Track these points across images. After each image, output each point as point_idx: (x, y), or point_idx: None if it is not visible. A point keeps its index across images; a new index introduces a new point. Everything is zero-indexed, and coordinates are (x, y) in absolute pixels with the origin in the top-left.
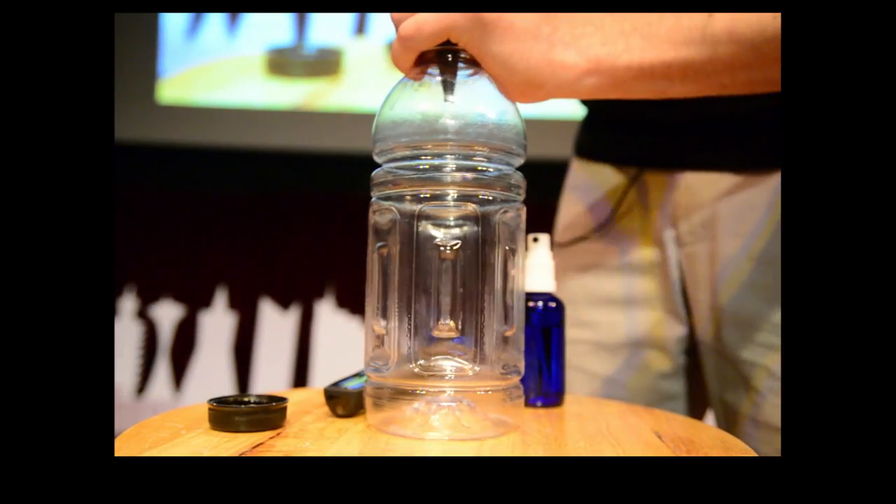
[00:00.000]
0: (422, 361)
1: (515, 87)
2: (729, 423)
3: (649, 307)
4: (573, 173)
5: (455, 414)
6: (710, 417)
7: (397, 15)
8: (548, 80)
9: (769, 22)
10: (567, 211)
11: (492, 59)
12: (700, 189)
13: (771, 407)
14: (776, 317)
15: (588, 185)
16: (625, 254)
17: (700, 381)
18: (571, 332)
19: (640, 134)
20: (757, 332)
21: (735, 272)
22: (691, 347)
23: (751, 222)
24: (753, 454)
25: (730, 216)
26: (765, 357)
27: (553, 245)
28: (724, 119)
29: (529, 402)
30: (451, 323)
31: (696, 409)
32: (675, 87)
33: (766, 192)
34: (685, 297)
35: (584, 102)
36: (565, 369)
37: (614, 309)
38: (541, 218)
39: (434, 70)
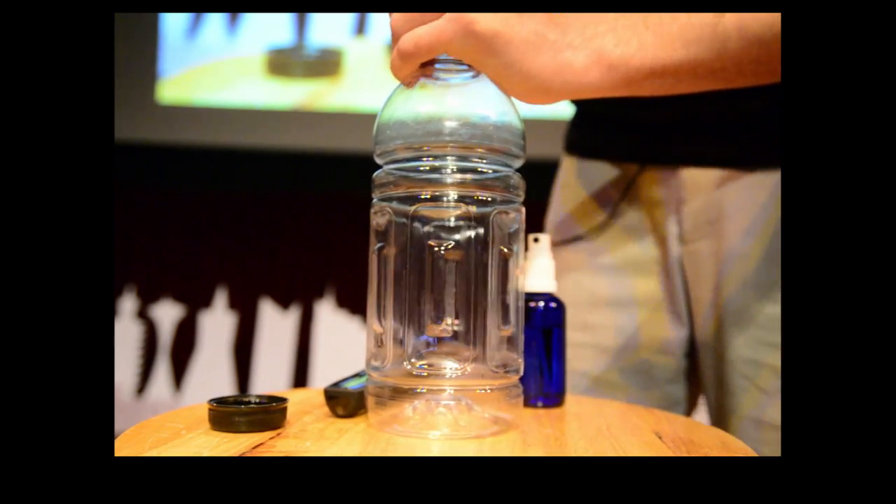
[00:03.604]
0: (422, 361)
1: (519, 94)
2: (722, 423)
3: (651, 308)
4: (566, 171)
5: (454, 413)
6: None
7: (396, 25)
8: (555, 85)
9: (777, 18)
10: (561, 209)
11: (492, 71)
12: (703, 185)
13: (775, 408)
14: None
15: (584, 183)
16: (625, 253)
17: (696, 383)
18: (571, 335)
19: (639, 132)
20: (762, 330)
21: (740, 269)
22: (691, 349)
23: (756, 219)
24: (753, 454)
25: (736, 213)
26: (770, 356)
27: None
28: (723, 117)
29: (530, 403)
30: (452, 323)
31: (689, 412)
32: (684, 84)
33: (770, 188)
34: (687, 297)
35: (575, 101)
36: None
37: (615, 311)
38: (541, 218)
39: (435, 73)
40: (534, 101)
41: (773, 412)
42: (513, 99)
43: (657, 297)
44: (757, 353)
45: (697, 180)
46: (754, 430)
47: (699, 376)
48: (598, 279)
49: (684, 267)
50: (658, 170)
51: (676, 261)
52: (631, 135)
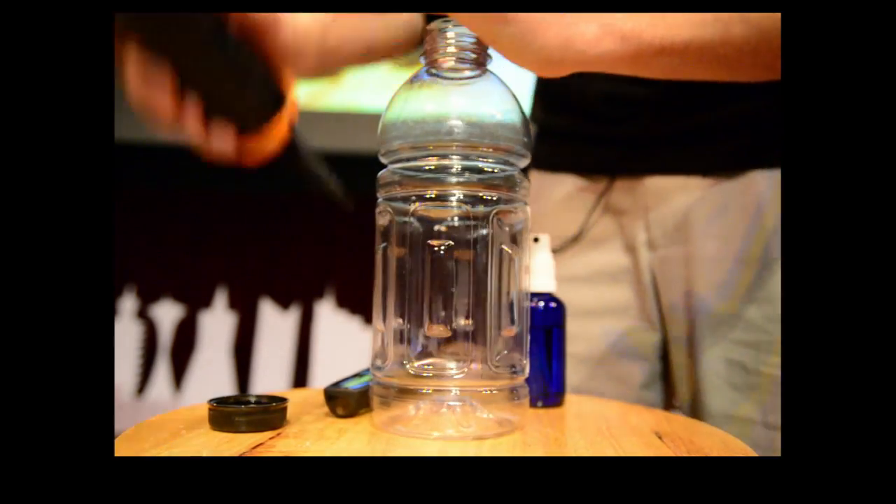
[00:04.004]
0: (427, 361)
1: (531, 65)
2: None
3: (625, 316)
4: (535, 185)
5: (459, 413)
6: None
7: None
8: (568, 55)
9: (777, 15)
10: (532, 223)
11: (503, 42)
12: (670, 192)
13: (751, 403)
14: (752, 314)
15: (555, 197)
16: (595, 263)
17: (671, 385)
18: None
19: (607, 146)
20: (733, 329)
21: (709, 273)
22: (664, 353)
23: (724, 224)
24: (753, 454)
25: (702, 218)
26: (741, 354)
27: None
28: (686, 129)
29: (530, 403)
30: (454, 323)
31: None
32: (688, 67)
33: (737, 193)
34: (658, 302)
35: (538, 119)
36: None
37: (591, 320)
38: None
39: (437, 70)
40: (546, 72)
41: (745, 408)
42: (518, 97)
43: (629, 305)
44: (728, 352)
45: (661, 188)
46: (728, 425)
47: (673, 378)
48: (570, 289)
49: (655, 273)
50: (626, 180)
51: (647, 267)
52: (599, 149)
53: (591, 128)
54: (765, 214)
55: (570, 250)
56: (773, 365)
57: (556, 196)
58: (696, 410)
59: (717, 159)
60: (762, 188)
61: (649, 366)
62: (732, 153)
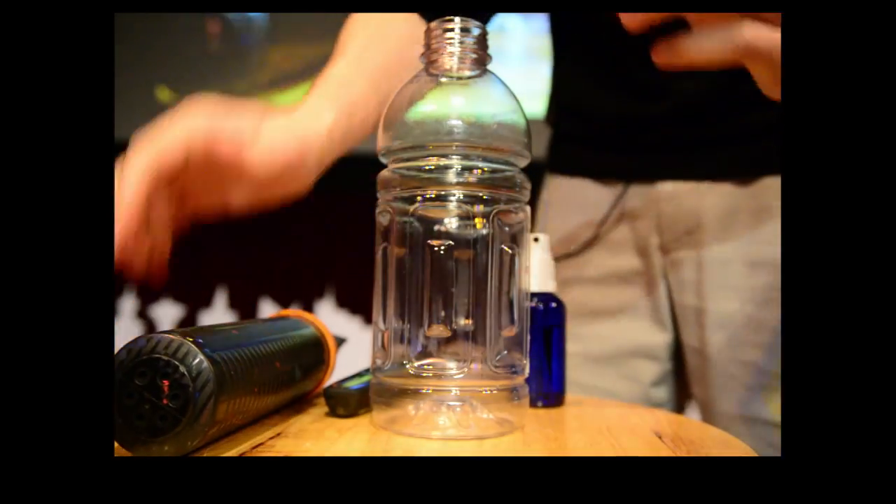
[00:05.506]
0: (427, 361)
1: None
2: (710, 421)
3: (636, 316)
4: (552, 189)
5: (459, 413)
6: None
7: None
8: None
9: None
10: (549, 227)
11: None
12: (683, 197)
13: (764, 403)
14: (761, 315)
15: (572, 200)
16: (609, 266)
17: (682, 386)
18: None
19: (622, 152)
20: (742, 330)
21: (719, 274)
22: (676, 353)
23: (734, 227)
24: (753, 454)
25: (714, 222)
26: (751, 354)
27: None
28: (699, 138)
29: (530, 403)
30: (457, 323)
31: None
32: None
33: (748, 198)
34: (671, 304)
35: (553, 123)
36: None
37: (602, 321)
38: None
39: (437, 70)
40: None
41: (756, 407)
42: (518, 97)
43: (640, 306)
44: (738, 352)
45: (673, 192)
46: (741, 425)
47: (686, 377)
48: (584, 291)
49: (667, 275)
50: (641, 185)
51: (659, 270)
52: (614, 154)
53: (607, 134)
54: (775, 218)
55: (586, 254)
56: None
57: (572, 200)
58: (708, 411)
59: (728, 165)
60: (772, 193)
61: (660, 365)
62: (743, 159)
